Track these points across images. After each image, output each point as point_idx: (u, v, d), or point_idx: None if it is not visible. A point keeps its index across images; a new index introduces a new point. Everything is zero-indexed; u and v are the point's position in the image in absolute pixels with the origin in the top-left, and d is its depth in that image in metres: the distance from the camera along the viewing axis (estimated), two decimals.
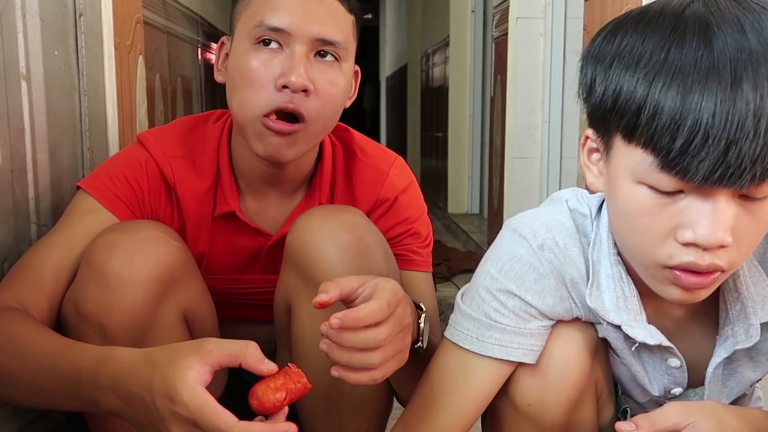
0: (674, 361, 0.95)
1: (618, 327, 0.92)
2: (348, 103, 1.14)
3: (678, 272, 0.80)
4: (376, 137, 9.51)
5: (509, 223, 0.97)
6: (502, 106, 2.83)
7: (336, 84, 1.06)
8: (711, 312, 0.94)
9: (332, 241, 1.01)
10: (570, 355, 0.95)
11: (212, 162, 1.14)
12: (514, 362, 0.94)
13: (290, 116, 1.03)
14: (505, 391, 0.97)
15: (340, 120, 1.15)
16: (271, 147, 1.04)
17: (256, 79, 1.03)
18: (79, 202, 1.06)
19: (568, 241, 0.94)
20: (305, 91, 1.02)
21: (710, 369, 0.94)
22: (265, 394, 0.79)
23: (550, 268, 0.93)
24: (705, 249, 0.77)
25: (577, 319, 0.96)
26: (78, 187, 1.07)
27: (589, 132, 0.86)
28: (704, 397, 0.97)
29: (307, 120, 1.04)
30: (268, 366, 0.79)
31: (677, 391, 0.97)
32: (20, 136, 1.11)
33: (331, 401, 1.01)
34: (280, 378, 0.80)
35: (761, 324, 0.90)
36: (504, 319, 0.93)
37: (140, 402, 0.78)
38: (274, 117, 1.03)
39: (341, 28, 1.06)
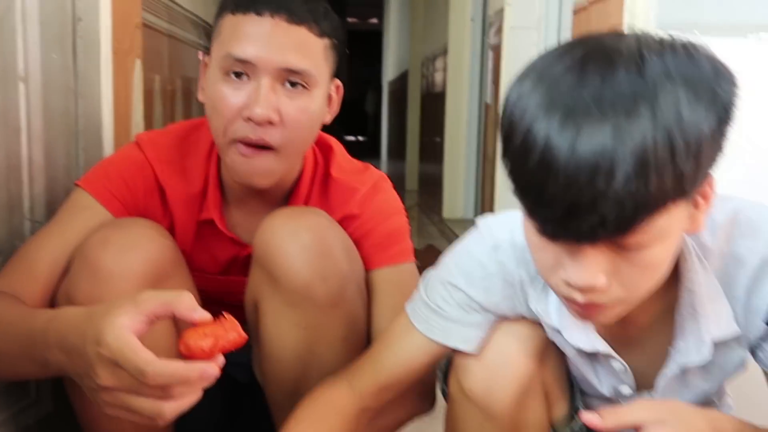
0: (617, 365, 0.98)
1: (559, 331, 0.96)
2: (328, 119, 1.17)
3: (568, 302, 0.82)
4: (377, 141, 9.56)
5: (481, 220, 1.02)
6: (496, 113, 2.87)
7: (306, 110, 1.08)
8: (668, 323, 0.95)
9: (293, 242, 1.05)
10: (512, 350, 0.99)
11: (202, 169, 1.18)
12: (451, 347, 1.01)
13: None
14: (456, 377, 1.02)
15: (343, 126, 1.15)
16: (246, 174, 1.09)
17: (224, 109, 1.06)
18: (76, 198, 1.11)
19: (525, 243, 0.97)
20: (270, 122, 1.05)
21: (661, 383, 0.97)
22: (191, 338, 0.79)
23: (499, 268, 0.97)
24: (580, 290, 0.78)
25: (523, 318, 1.00)
26: (76, 185, 1.12)
27: None
28: None
29: (275, 148, 1.07)
30: (200, 314, 0.80)
31: (626, 390, 1.00)
32: (16, 135, 1.15)
33: (298, 395, 1.05)
34: (211, 326, 0.80)
35: (715, 342, 0.91)
36: (449, 309, 1.00)
37: (77, 352, 0.79)
38: (241, 146, 1.06)
39: (309, 55, 1.08)
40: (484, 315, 1.00)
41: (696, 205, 0.79)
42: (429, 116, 5.36)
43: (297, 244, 1.05)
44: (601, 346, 0.96)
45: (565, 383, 1.07)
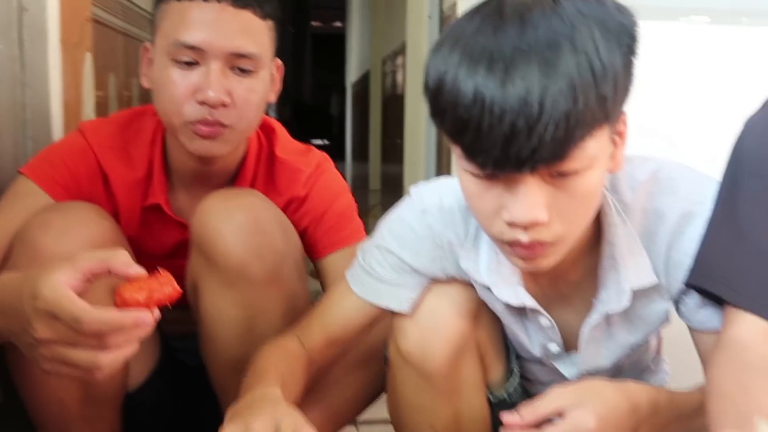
0: (545, 321, 1.02)
1: (489, 288, 1.00)
2: (272, 97, 1.20)
3: (511, 247, 0.86)
4: (342, 144, 9.56)
5: (413, 187, 1.07)
6: None
7: (254, 91, 1.13)
8: (593, 279, 1.00)
9: (228, 222, 1.07)
10: (445, 310, 1.04)
11: (146, 155, 1.20)
12: (383, 307, 1.05)
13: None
14: (394, 340, 1.07)
15: (308, 130, 1.20)
16: (202, 147, 1.12)
17: (176, 93, 1.09)
18: (18, 185, 1.12)
19: (454, 205, 1.02)
20: (223, 104, 1.09)
21: (584, 330, 1.01)
22: (127, 291, 0.80)
23: (429, 231, 1.02)
24: (524, 228, 0.83)
25: (455, 279, 1.05)
26: (19, 173, 1.12)
27: None
28: (581, 358, 1.04)
29: (229, 126, 1.11)
30: (135, 269, 0.81)
31: (554, 348, 1.04)
32: None
33: (240, 373, 1.08)
34: (146, 280, 0.82)
35: (635, 291, 0.96)
36: (382, 271, 1.05)
37: (13, 310, 0.81)
38: (200, 126, 1.10)
39: (256, 38, 1.12)
40: (416, 277, 1.05)
41: (615, 143, 0.86)
42: (391, 117, 5.38)
43: (231, 225, 1.07)
44: (529, 300, 1.00)
45: (501, 346, 1.12)
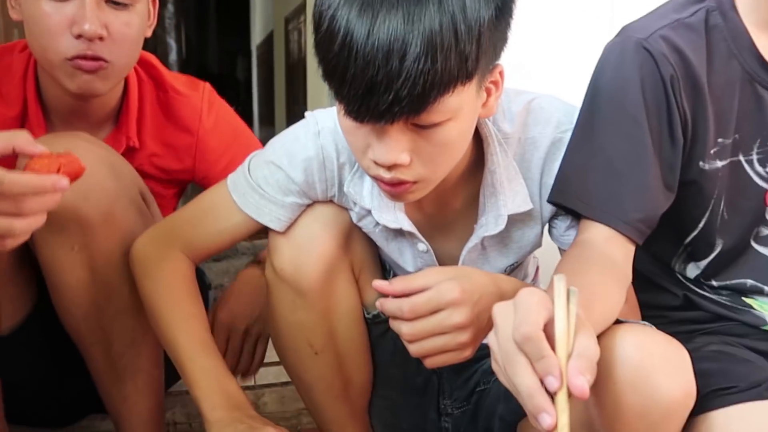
0: (422, 246, 1.10)
1: (369, 212, 1.07)
2: (148, 32, 1.24)
3: (378, 182, 0.93)
4: (249, 111, 9.18)
5: (309, 112, 1.09)
6: None
7: (130, 25, 1.15)
8: (475, 207, 1.07)
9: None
10: (317, 230, 1.09)
11: (19, 92, 1.21)
12: (263, 223, 1.09)
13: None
14: (270, 260, 1.12)
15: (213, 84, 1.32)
16: (83, 83, 1.14)
17: (50, 27, 1.08)
18: None
19: None
20: (100, 38, 1.11)
21: (463, 253, 1.09)
22: (37, 163, 0.85)
23: (320, 152, 1.06)
24: (387, 168, 0.89)
25: (331, 202, 1.10)
26: None
27: None
28: None
29: (109, 61, 1.14)
30: (40, 147, 0.86)
31: None
32: None
33: (90, 318, 1.14)
34: (54, 156, 0.87)
35: (510, 216, 1.04)
36: (267, 188, 1.08)
37: None
38: (80, 61, 1.11)
39: None
40: (300, 198, 1.09)
41: (488, 92, 0.93)
42: (295, 81, 5.05)
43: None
44: (406, 224, 1.07)
45: (377, 269, 1.20)
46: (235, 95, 11.23)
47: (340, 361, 1.18)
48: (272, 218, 1.08)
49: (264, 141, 1.33)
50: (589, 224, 1.00)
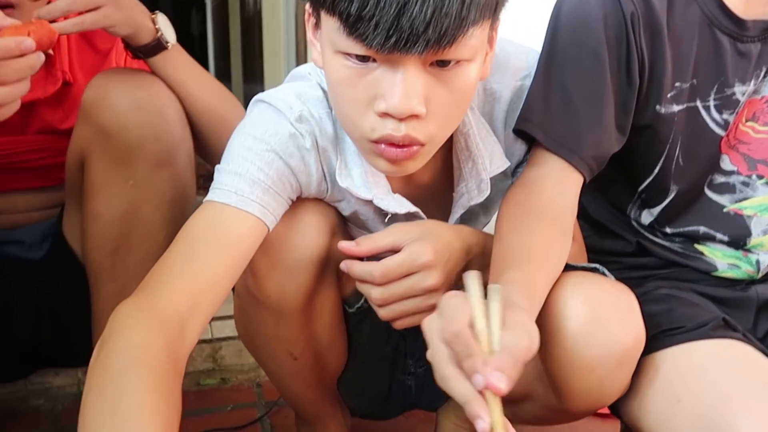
0: None
1: (369, 201, 0.98)
2: None
3: (381, 145, 0.84)
4: (205, 65, 8.98)
5: (260, 97, 0.98)
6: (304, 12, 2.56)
7: None
8: (450, 173, 1.03)
9: (128, 98, 1.07)
10: (304, 251, 1.00)
11: None
12: (266, 227, 0.93)
13: None
14: (254, 282, 1.02)
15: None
16: None
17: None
18: None
19: (323, 114, 0.97)
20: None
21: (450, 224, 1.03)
22: (6, 33, 0.82)
23: (311, 140, 0.95)
24: (400, 120, 0.81)
25: (319, 203, 1.02)
26: None
27: (308, 6, 0.87)
28: None
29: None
30: (9, 20, 0.83)
31: None
32: None
33: (117, 255, 1.13)
34: (22, 25, 0.84)
35: (491, 178, 1.00)
36: (267, 179, 0.92)
37: None
38: None
39: None
40: (292, 194, 0.98)
41: (490, 44, 0.90)
42: (251, 35, 4.97)
43: (131, 101, 1.08)
44: (413, 207, 1.01)
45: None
46: (190, 50, 11.00)
47: (318, 359, 1.16)
48: (273, 220, 0.96)
49: None
50: (544, 157, 1.00)
